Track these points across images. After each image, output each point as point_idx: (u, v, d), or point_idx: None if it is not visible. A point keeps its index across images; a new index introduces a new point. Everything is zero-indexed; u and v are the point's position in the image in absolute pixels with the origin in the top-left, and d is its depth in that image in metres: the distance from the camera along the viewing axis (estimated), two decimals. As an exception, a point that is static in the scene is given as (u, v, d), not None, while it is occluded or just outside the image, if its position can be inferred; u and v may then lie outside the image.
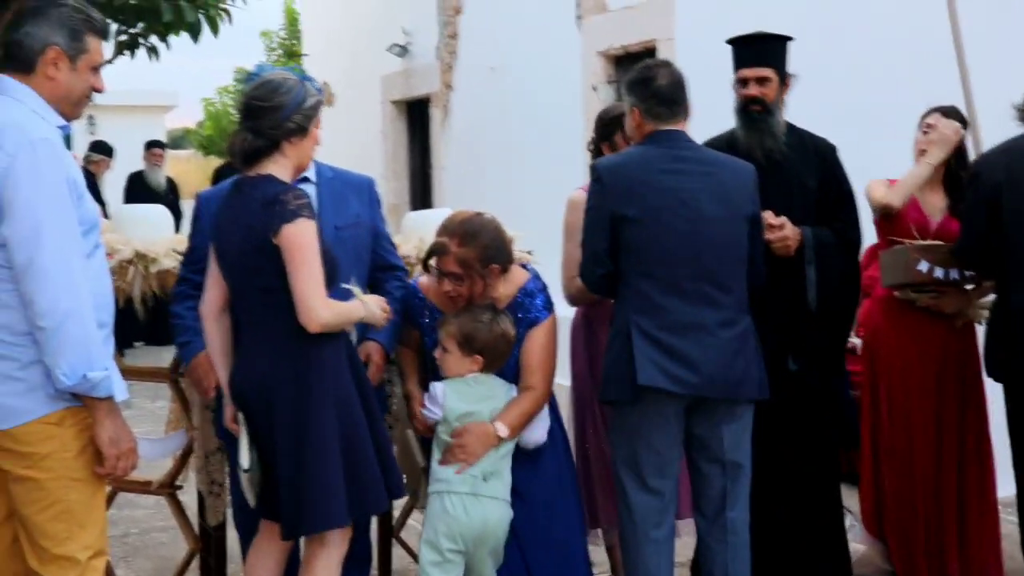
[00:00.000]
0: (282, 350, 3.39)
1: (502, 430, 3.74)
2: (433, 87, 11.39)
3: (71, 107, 3.18)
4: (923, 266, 4.31)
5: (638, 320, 3.67)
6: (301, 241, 3.28)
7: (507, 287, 3.87)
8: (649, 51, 8.43)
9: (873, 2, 6.68)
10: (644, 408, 3.71)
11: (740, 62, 4.36)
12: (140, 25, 8.37)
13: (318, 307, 3.29)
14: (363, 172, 4.22)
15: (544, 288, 3.96)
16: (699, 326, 3.68)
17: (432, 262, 3.80)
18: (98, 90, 3.24)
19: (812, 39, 6.35)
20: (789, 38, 4.39)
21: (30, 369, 3.02)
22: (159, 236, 4.48)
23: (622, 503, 3.85)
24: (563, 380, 4.29)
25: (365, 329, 3.84)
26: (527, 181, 9.33)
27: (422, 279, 3.99)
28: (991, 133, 5.29)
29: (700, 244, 3.69)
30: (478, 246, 3.73)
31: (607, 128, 4.38)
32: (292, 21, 24.63)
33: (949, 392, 4.48)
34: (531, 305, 3.89)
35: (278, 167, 3.45)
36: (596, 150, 4.43)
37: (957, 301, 4.45)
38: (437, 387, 3.79)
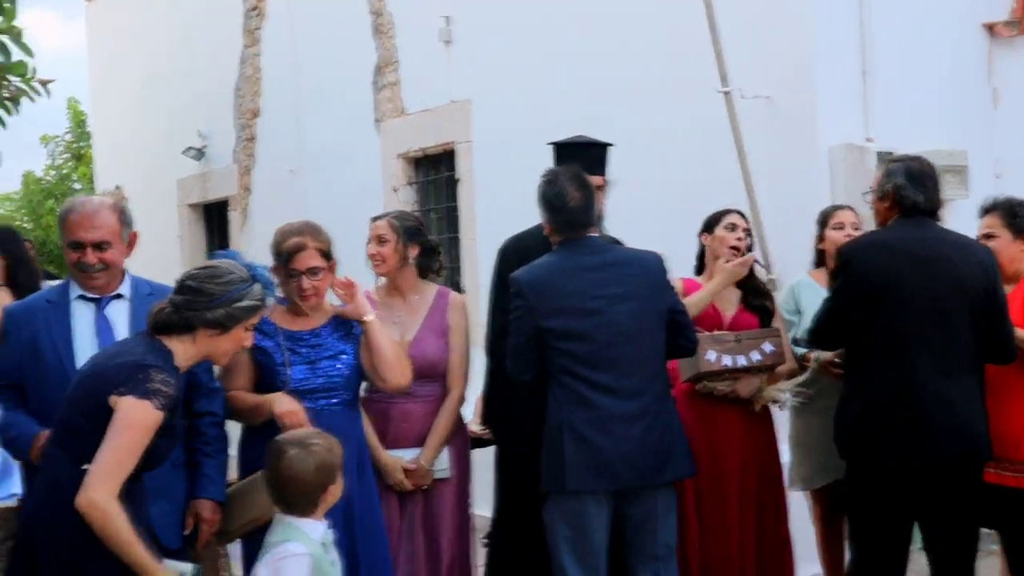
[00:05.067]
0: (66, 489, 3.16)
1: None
2: (231, 190, 11.33)
3: None
4: (711, 355, 4.47)
5: (570, 415, 3.97)
6: (131, 420, 3.13)
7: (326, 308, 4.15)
8: (448, 153, 8.65)
9: (664, 113, 7.04)
10: (577, 497, 3.99)
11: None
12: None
13: (93, 488, 3.08)
14: (162, 277, 4.05)
15: None
16: (626, 418, 3.97)
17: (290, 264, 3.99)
18: None
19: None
20: (610, 144, 4.47)
21: None
22: None
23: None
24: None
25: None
26: (331, 282, 9.33)
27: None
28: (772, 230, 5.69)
29: (619, 346, 3.98)
30: (326, 239, 4.07)
31: None
32: (78, 123, 23.95)
33: (751, 475, 4.66)
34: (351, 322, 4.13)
35: (182, 349, 3.31)
36: None
37: (751, 385, 4.62)
38: None
